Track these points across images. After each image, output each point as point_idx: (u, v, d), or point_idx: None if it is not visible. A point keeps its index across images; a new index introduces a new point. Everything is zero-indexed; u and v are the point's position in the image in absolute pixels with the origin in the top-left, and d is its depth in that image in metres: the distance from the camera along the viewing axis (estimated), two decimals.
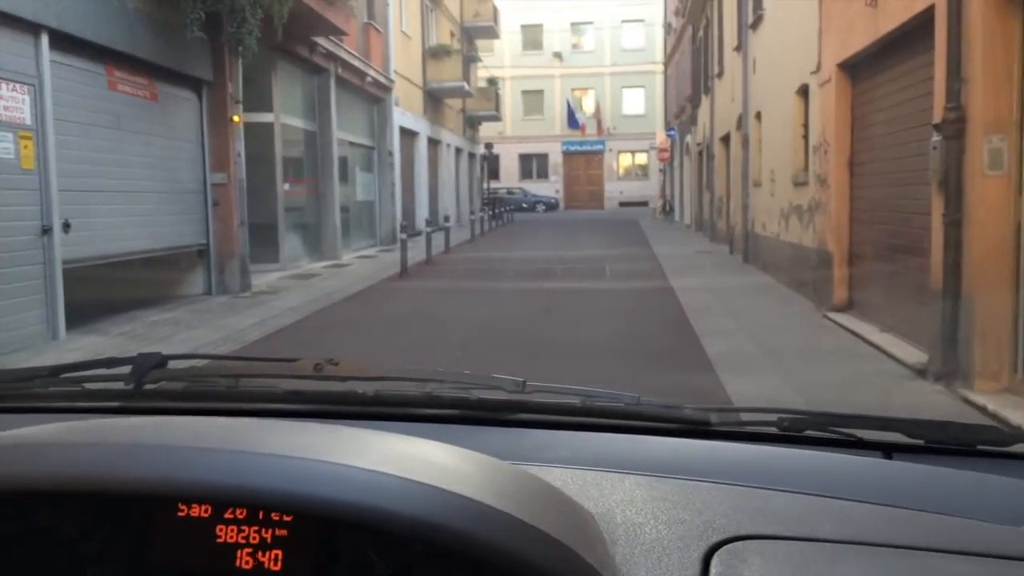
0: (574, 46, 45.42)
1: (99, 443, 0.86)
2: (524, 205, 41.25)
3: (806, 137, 10.78)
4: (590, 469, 1.05)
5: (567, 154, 45.67)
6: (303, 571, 0.79)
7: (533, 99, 45.41)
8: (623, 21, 44.49)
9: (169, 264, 11.05)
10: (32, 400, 1.45)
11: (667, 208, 33.66)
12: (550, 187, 45.11)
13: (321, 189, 16.67)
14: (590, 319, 9.53)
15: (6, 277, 7.37)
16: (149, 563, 0.81)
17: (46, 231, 7.89)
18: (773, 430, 1.25)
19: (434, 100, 26.92)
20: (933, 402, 5.60)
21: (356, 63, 17.89)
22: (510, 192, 41.84)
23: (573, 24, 45.05)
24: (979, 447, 1.22)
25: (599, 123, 44.86)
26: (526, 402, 1.32)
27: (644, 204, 42.09)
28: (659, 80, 40.55)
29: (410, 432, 0.98)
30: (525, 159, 45.69)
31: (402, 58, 22.61)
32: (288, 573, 0.79)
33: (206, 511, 0.80)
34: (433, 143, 27.01)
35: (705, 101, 21.85)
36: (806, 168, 10.68)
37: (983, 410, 5.23)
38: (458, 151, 31.41)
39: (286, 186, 14.86)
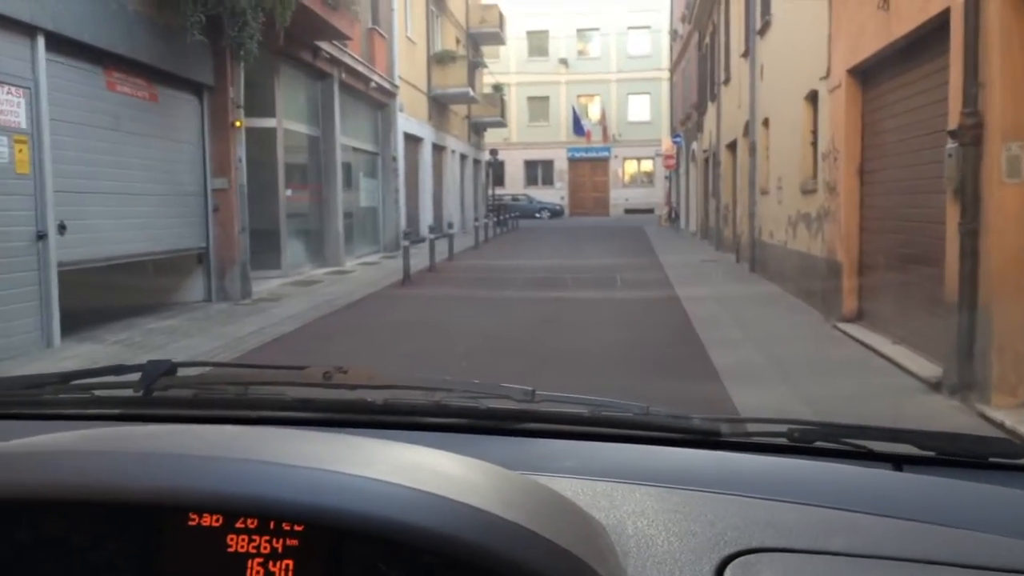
0: (580, 53, 45.33)
1: (111, 452, 0.86)
2: (536, 215, 41.24)
3: (815, 144, 10.61)
4: (600, 479, 1.04)
5: (572, 161, 45.54)
6: None
7: (539, 105, 45.32)
8: (629, 28, 44.38)
9: (168, 269, 10.91)
10: (42, 407, 1.44)
11: (673, 215, 33.48)
12: (555, 194, 44.98)
13: (324, 195, 16.55)
14: (595, 329, 9.36)
15: None
16: (159, 572, 0.81)
17: (41, 237, 7.75)
18: (783, 441, 1.24)
19: (439, 106, 26.82)
20: (949, 417, 5.42)
21: (360, 68, 17.78)
22: (515, 199, 41.70)
23: (579, 31, 44.96)
24: (991, 459, 1.20)
25: (605, 130, 44.72)
26: (535, 411, 1.31)
27: (649, 211, 41.95)
28: (665, 87, 40.43)
29: (419, 441, 0.98)
30: (530, 166, 45.56)
31: (407, 64, 22.51)
32: None
33: (217, 520, 0.80)
34: (438, 149, 26.89)
35: (711, 108, 21.71)
36: (815, 176, 10.50)
37: (1000, 426, 5.05)
38: (463, 157, 31.31)
39: (288, 192, 14.75)
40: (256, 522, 0.80)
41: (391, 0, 20.80)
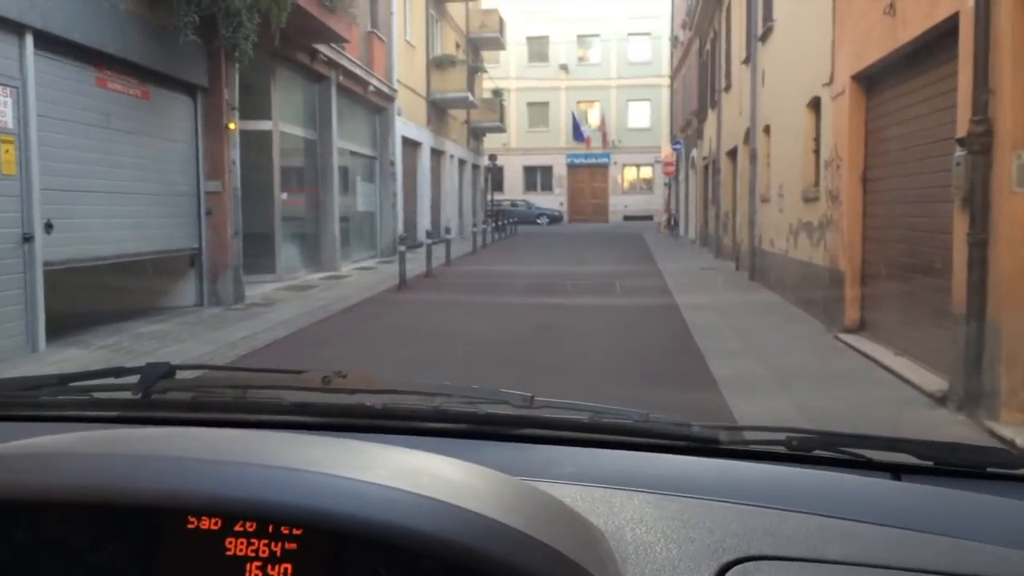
0: (580, 59, 45.25)
1: (110, 454, 0.86)
2: (537, 220, 41.13)
3: (817, 151, 10.46)
4: (599, 486, 1.04)
5: (572, 167, 45.43)
6: None
7: (538, 111, 45.21)
8: (630, 34, 44.32)
9: (159, 272, 10.73)
10: (40, 408, 1.44)
11: (672, 222, 33.35)
12: (554, 200, 44.85)
13: (320, 199, 16.39)
14: (593, 337, 9.20)
15: None
16: (158, 575, 0.81)
17: (27, 239, 7.58)
18: (782, 449, 1.24)
19: (438, 110, 26.69)
20: (956, 433, 5.25)
21: (358, 71, 17.63)
22: (514, 204, 41.57)
23: (579, 36, 44.87)
24: (989, 469, 1.20)
25: (604, 136, 44.61)
26: (534, 417, 1.31)
27: (649, 218, 41.83)
28: (665, 93, 40.35)
29: (417, 446, 0.98)
30: (529, 171, 45.44)
31: (406, 68, 22.37)
32: None
33: (216, 524, 0.80)
34: (436, 154, 26.75)
35: (712, 115, 21.58)
36: (817, 183, 10.35)
37: (1011, 444, 4.88)
38: (462, 162, 31.16)
39: (284, 195, 14.60)
40: (255, 525, 0.79)
41: (390, 3, 20.68)
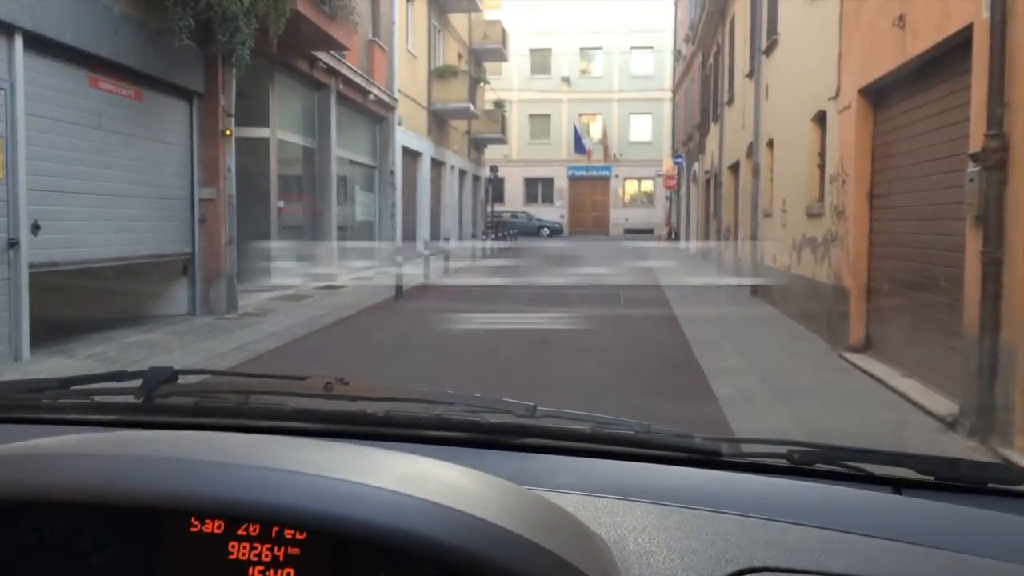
0: (583, 71, 45.21)
1: (113, 455, 0.86)
2: (540, 231, 40.98)
3: (822, 166, 10.28)
4: (601, 496, 1.05)
5: (573, 179, 45.31)
6: None
7: (540, 123, 45.14)
8: (632, 47, 44.30)
9: (150, 279, 10.53)
10: (41, 411, 1.44)
11: (672, 236, 33.19)
12: (555, 212, 44.70)
13: (318, 207, 16.21)
14: (591, 352, 8.98)
15: None
16: None
17: (12, 244, 7.38)
18: (783, 462, 1.24)
19: (439, 121, 26.55)
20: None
21: (358, 80, 17.49)
22: (514, 216, 41.41)
23: (582, 49, 44.84)
24: (989, 485, 1.21)
25: (606, 149, 44.51)
26: (536, 427, 1.31)
27: (649, 231, 41.67)
28: (667, 107, 40.29)
29: (419, 454, 0.97)
30: (530, 183, 45.31)
31: (407, 77, 22.25)
32: None
33: (219, 527, 0.79)
34: (436, 164, 26.60)
35: (714, 129, 21.44)
36: (821, 199, 10.17)
37: None
38: (462, 173, 31.02)
39: (281, 203, 14.42)
40: (258, 529, 0.79)
41: (392, 12, 20.57)
